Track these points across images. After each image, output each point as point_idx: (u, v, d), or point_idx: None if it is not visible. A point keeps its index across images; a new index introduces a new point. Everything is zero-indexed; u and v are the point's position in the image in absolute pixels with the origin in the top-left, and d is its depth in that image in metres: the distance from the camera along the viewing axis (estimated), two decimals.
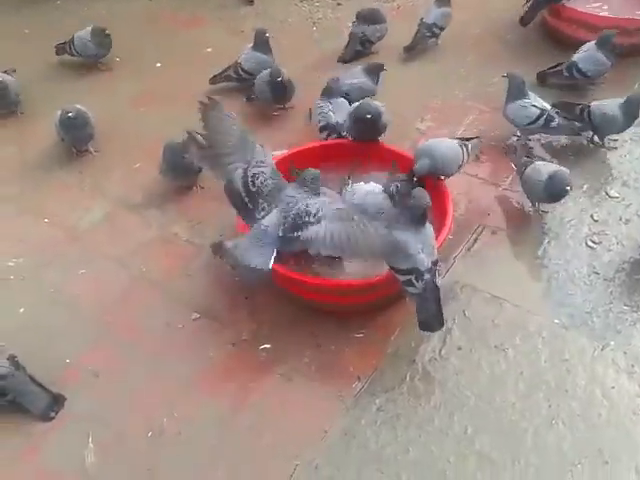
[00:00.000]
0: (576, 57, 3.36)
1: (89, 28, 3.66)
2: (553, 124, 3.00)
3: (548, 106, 3.04)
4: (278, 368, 2.31)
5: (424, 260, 2.16)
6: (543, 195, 2.68)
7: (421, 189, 2.29)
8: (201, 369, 2.32)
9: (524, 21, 3.83)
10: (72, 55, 3.72)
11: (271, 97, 3.29)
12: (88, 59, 3.74)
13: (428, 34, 3.80)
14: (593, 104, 3.05)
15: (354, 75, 3.28)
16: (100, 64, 3.77)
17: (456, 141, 2.70)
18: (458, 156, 2.63)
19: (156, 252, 2.74)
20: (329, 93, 3.09)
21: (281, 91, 3.26)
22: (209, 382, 2.29)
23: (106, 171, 3.16)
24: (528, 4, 3.80)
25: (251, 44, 3.52)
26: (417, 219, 2.20)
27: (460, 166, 2.66)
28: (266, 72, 3.27)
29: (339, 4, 4.31)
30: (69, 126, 3.11)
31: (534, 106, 3.00)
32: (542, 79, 3.46)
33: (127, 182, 3.09)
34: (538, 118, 2.99)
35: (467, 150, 2.68)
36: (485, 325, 2.43)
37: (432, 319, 2.22)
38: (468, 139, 2.79)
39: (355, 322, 2.44)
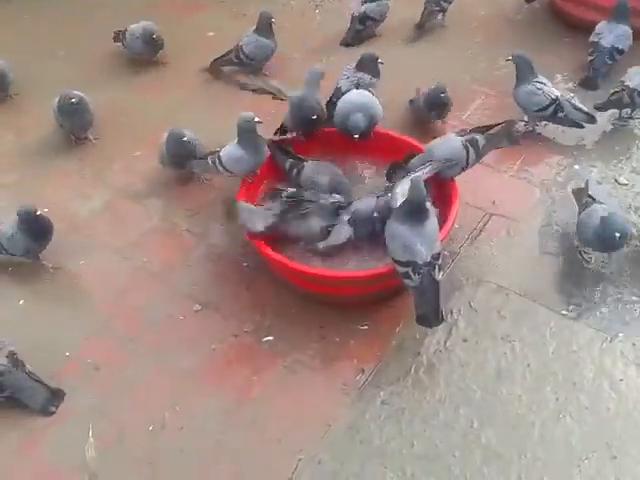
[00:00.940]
0: (604, 42, 3.26)
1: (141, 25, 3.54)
2: (560, 114, 2.94)
3: (557, 93, 2.97)
4: (281, 360, 2.28)
5: (422, 253, 2.11)
6: (592, 239, 2.41)
7: (418, 180, 2.22)
8: (203, 362, 2.29)
9: None
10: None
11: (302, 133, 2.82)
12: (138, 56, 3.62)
13: (437, 8, 3.71)
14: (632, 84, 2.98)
15: (349, 74, 3.03)
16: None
17: (460, 140, 2.52)
18: (461, 159, 2.50)
19: (156, 242, 2.70)
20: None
21: (314, 125, 2.77)
22: (211, 375, 2.26)
23: (106, 159, 3.10)
24: None
25: (254, 27, 3.44)
26: (415, 212, 2.15)
27: (464, 168, 2.52)
28: (295, 102, 2.77)
29: None
30: (70, 112, 3.04)
31: (544, 93, 2.93)
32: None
33: (127, 170, 3.04)
34: (548, 106, 2.93)
35: (473, 150, 2.51)
36: (491, 316, 2.39)
37: (429, 314, 2.16)
38: (488, 127, 2.61)
39: (360, 314, 2.40)
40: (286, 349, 2.31)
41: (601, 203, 2.49)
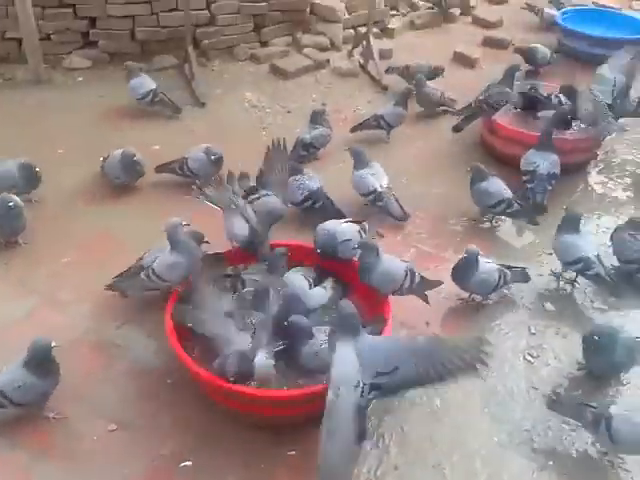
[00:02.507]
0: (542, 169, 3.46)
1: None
2: None
3: None
4: None
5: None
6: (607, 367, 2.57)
7: (346, 300, 2.27)
8: None
9: (457, 128, 4.00)
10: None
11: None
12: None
13: (374, 123, 4.06)
14: None
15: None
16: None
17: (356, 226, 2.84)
18: (398, 279, 2.63)
19: (78, 354, 2.55)
20: None
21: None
22: None
23: (33, 264, 3.00)
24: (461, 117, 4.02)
25: (203, 144, 3.55)
26: (348, 329, 2.12)
27: (355, 248, 2.70)
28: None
29: (289, 112, 4.44)
30: (5, 216, 2.98)
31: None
32: None
33: (54, 277, 2.93)
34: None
35: (410, 279, 2.66)
36: (423, 442, 2.32)
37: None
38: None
39: (288, 437, 2.29)
40: (204, 476, 2.15)
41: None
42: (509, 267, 2.91)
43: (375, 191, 3.36)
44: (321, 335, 2.35)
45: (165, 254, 2.59)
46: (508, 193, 3.30)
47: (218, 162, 3.54)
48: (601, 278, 2.94)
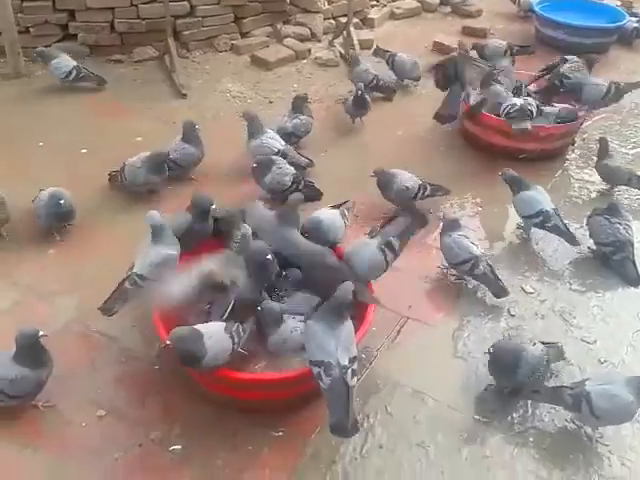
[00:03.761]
0: None
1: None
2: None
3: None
4: (188, 471, 2.15)
5: (334, 354, 2.10)
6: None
7: (348, 283, 2.28)
8: (104, 474, 2.13)
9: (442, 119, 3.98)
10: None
11: None
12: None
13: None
14: None
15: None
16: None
17: (376, 245, 2.62)
18: (380, 266, 2.61)
19: (64, 344, 2.56)
20: None
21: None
22: None
23: (17, 257, 3.00)
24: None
25: (180, 136, 3.55)
26: (334, 313, 2.18)
27: (384, 269, 2.62)
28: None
29: (271, 102, 4.46)
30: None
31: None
32: None
33: (38, 269, 2.94)
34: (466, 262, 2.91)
35: (390, 251, 2.62)
36: (407, 421, 2.38)
37: (342, 422, 2.05)
38: (389, 220, 2.81)
39: (275, 419, 2.33)
40: (194, 459, 2.19)
41: None
42: (548, 344, 2.59)
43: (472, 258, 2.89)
44: (292, 321, 2.38)
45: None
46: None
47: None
48: (559, 229, 3.16)
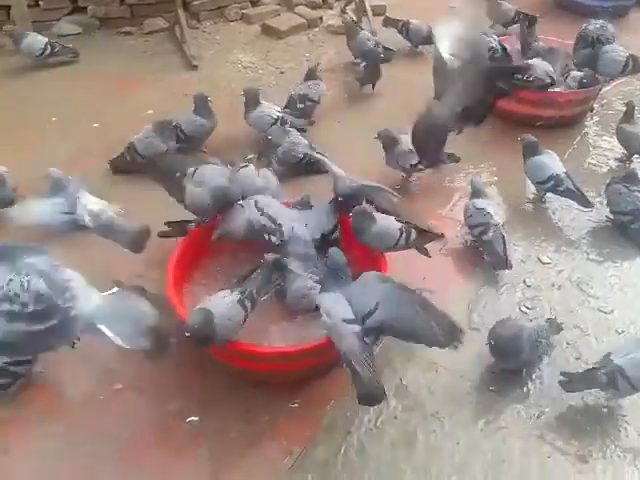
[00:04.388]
0: None
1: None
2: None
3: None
4: (205, 443, 2.18)
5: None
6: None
7: (335, 249, 2.31)
8: (121, 445, 2.16)
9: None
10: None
11: None
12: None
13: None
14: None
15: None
16: None
17: (398, 224, 2.59)
18: (393, 238, 2.58)
19: None
20: None
21: None
22: (127, 460, 2.12)
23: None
24: None
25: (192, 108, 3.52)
26: (337, 278, 2.21)
27: (390, 248, 2.59)
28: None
29: (282, 72, 4.40)
30: None
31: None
32: None
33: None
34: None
35: (405, 237, 2.59)
36: (421, 393, 2.38)
37: (370, 390, 2.05)
38: (419, 228, 2.66)
39: (291, 391, 2.34)
40: (211, 430, 2.21)
41: None
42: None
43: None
44: (310, 281, 2.43)
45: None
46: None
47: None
48: (571, 192, 3.15)
